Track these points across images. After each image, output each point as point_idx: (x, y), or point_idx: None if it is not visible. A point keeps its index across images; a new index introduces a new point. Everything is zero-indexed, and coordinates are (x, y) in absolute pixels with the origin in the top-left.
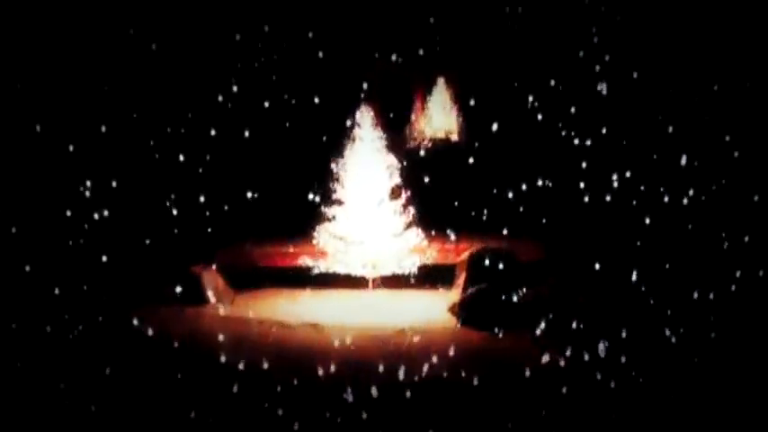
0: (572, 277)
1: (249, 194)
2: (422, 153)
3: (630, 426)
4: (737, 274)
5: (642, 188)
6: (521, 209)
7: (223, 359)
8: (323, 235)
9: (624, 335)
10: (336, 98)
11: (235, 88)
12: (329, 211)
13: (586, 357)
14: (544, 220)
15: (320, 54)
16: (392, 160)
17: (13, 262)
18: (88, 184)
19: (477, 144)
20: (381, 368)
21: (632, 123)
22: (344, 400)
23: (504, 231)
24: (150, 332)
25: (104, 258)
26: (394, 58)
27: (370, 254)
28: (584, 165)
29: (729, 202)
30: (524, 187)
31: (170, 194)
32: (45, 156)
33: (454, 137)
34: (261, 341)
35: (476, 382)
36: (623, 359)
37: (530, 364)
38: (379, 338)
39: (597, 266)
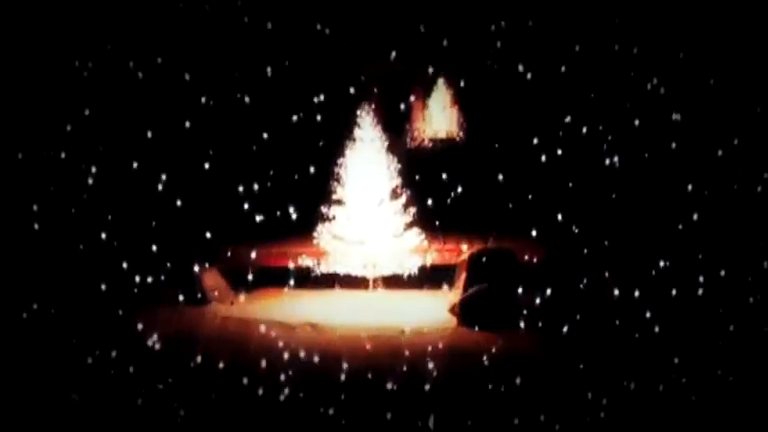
0: (572, 277)
1: (250, 194)
2: (422, 153)
3: (630, 426)
4: (737, 274)
5: (642, 189)
6: (521, 209)
7: (223, 359)
8: (323, 235)
9: (624, 335)
10: (336, 98)
11: (235, 88)
12: (329, 211)
13: (587, 357)
14: (545, 221)
15: (320, 54)
16: (392, 160)
17: (14, 262)
18: (89, 183)
19: (477, 144)
20: (381, 368)
21: (633, 124)
22: (344, 400)
23: (504, 231)
24: (150, 332)
25: (104, 258)
26: (393, 58)
27: (370, 254)
28: (584, 165)
29: (730, 203)
30: (525, 187)
31: (170, 194)
32: (45, 154)
33: (454, 137)
34: (261, 341)
35: (476, 382)
36: (623, 360)
37: (530, 365)
38: (379, 338)
39: (597, 266)
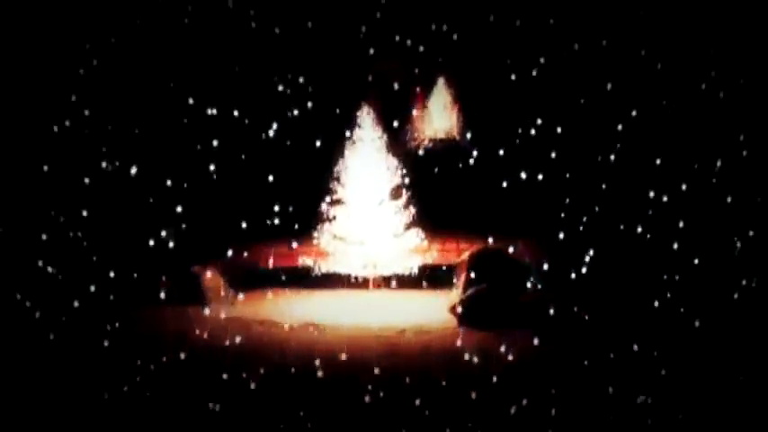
0: (572, 277)
1: (250, 195)
2: (422, 153)
3: (629, 425)
4: (737, 274)
5: (641, 189)
6: (521, 209)
7: (223, 360)
8: (323, 235)
9: (624, 335)
10: (337, 98)
11: (236, 88)
12: (329, 211)
13: (586, 357)
14: (544, 221)
15: (320, 54)
16: (392, 160)
17: (13, 261)
18: (89, 183)
19: (477, 144)
20: (381, 368)
21: (632, 123)
22: (345, 401)
23: (504, 231)
24: (150, 332)
25: (104, 258)
26: (394, 58)
27: (370, 254)
28: (584, 165)
29: (729, 203)
30: (525, 187)
31: (170, 194)
32: (46, 154)
33: (454, 137)
34: (261, 341)
35: (476, 382)
36: (624, 357)
37: (530, 365)
38: (379, 338)
39: (597, 266)
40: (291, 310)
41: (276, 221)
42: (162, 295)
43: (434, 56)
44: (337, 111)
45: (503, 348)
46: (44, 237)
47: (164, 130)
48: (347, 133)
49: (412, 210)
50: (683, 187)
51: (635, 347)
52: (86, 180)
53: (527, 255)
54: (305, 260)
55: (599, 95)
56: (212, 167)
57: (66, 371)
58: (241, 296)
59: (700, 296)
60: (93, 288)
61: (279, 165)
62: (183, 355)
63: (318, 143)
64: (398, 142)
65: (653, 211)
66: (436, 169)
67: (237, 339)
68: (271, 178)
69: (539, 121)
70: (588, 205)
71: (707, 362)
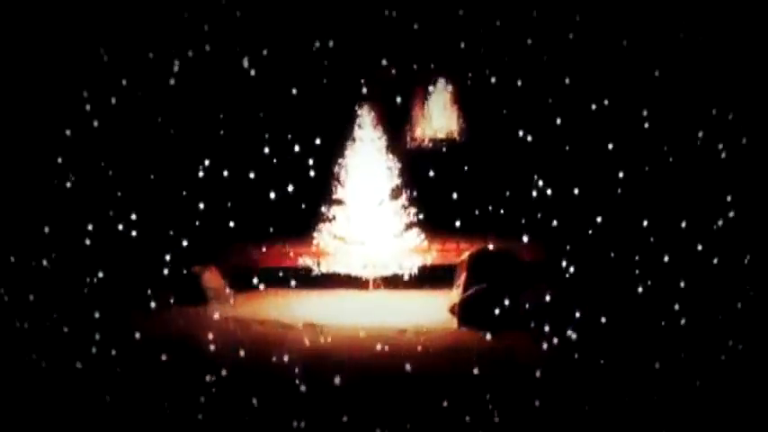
0: (572, 277)
1: (250, 195)
2: (422, 153)
3: (630, 424)
4: (736, 275)
5: (641, 189)
6: (521, 209)
7: (223, 359)
8: (323, 235)
9: (623, 333)
10: (337, 99)
11: (236, 89)
12: (329, 211)
13: (586, 357)
14: (544, 221)
15: (321, 55)
16: (392, 160)
17: (14, 262)
18: (88, 183)
19: (477, 144)
20: (381, 368)
21: (633, 124)
22: (345, 400)
23: (504, 231)
24: (150, 332)
25: (104, 258)
26: (394, 58)
27: (370, 254)
28: (584, 165)
29: (729, 203)
30: (525, 187)
31: (170, 194)
32: (45, 155)
33: (454, 137)
34: (261, 341)
35: (476, 382)
36: (623, 358)
37: (530, 365)
38: (380, 338)
39: (597, 266)
40: (291, 310)
41: (276, 222)
42: (162, 295)
43: (434, 56)
44: (337, 111)
45: (502, 348)
46: (46, 238)
47: (165, 129)
48: (347, 133)
49: (412, 210)
50: (682, 185)
51: (637, 347)
52: (88, 180)
53: (527, 255)
54: (305, 260)
55: (602, 94)
56: (213, 167)
57: (66, 371)
58: (241, 296)
59: (698, 295)
60: (93, 288)
61: (279, 165)
62: (183, 356)
63: (318, 143)
64: (398, 142)
65: (652, 209)
66: (433, 170)
67: (237, 339)
68: (271, 178)
69: (538, 122)
70: (588, 204)
71: (709, 363)
